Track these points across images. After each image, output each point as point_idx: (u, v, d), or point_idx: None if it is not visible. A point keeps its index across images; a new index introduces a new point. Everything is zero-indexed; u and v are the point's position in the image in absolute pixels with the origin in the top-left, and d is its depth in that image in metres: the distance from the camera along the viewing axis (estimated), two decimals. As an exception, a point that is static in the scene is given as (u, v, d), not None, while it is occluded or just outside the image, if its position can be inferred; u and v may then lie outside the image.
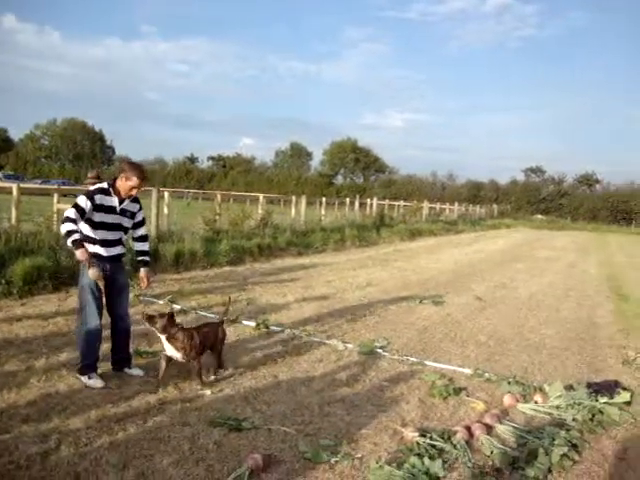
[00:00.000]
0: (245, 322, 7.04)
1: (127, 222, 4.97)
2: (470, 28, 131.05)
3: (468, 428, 4.17)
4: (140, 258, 5.18)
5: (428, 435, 4.01)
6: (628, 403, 4.98)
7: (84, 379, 4.71)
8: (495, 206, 56.39)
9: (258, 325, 6.85)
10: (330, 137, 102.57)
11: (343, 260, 14.32)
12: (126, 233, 5.04)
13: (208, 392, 4.67)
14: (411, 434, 4.02)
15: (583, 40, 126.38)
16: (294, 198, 19.87)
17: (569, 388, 5.09)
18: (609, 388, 5.16)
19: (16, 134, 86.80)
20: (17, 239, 8.94)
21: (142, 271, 5.09)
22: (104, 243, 4.79)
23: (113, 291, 5.00)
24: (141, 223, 5.13)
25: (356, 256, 15.48)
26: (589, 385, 5.21)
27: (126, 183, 4.75)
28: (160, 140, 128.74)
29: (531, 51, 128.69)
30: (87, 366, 4.77)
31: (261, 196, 18.64)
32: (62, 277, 8.24)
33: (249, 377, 5.13)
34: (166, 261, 10.48)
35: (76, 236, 4.47)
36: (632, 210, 60.16)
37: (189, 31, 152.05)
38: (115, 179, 4.85)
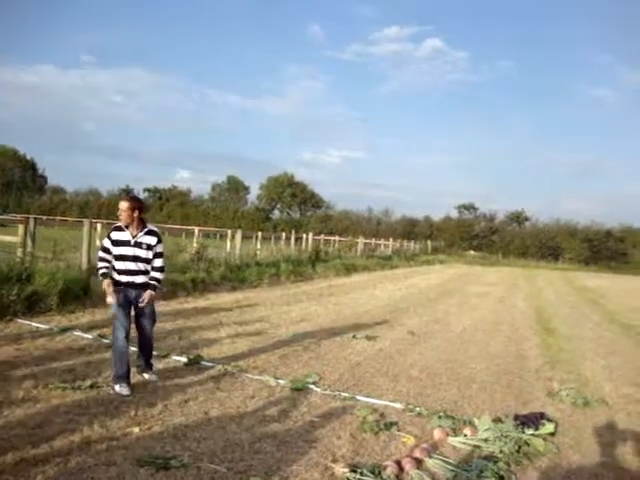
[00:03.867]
0: (176, 357, 6.91)
1: (145, 253, 5.74)
2: (404, 69, 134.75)
3: (398, 463, 4.19)
4: (149, 282, 5.83)
5: (359, 470, 4.00)
6: (552, 434, 5.13)
7: (117, 387, 5.44)
8: (429, 242, 57.53)
9: (189, 360, 6.73)
10: (267, 172, 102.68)
11: (278, 295, 14.29)
12: (149, 263, 5.80)
13: (136, 429, 4.54)
14: (342, 470, 4.01)
15: (509, 85, 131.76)
16: (230, 232, 19.79)
17: (497, 421, 5.19)
18: (535, 420, 5.29)
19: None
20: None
21: (147, 291, 5.79)
22: (126, 272, 5.69)
23: (139, 314, 5.90)
24: (158, 255, 5.87)
25: (291, 291, 15.48)
26: (516, 417, 5.33)
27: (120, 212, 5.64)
28: (95, 171, 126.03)
29: (462, 94, 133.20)
30: (118, 376, 5.49)
31: (196, 229, 18.53)
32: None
33: (179, 414, 5.02)
34: (96, 294, 10.20)
35: (103, 270, 5.68)
36: (558, 246, 62.54)
37: (128, 61, 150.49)
38: None
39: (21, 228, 10.67)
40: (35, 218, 11.77)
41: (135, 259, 5.69)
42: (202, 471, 3.91)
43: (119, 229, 5.70)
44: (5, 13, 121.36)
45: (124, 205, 5.62)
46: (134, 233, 5.69)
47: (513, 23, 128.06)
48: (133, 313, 5.83)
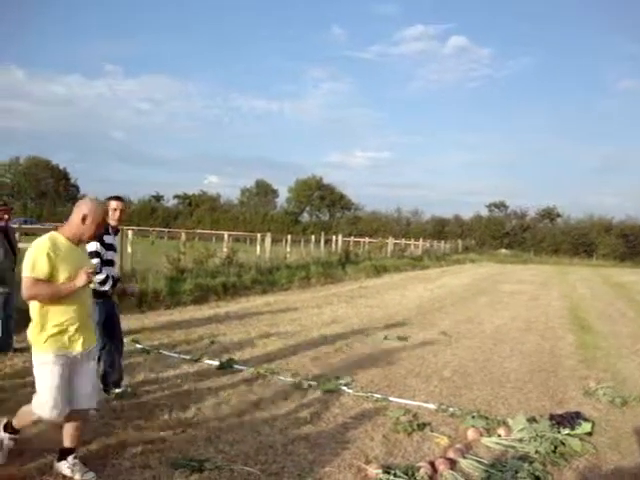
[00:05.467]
0: (208, 361, 6.96)
1: (116, 257, 5.52)
2: (429, 68, 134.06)
3: (432, 463, 4.17)
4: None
5: (392, 471, 3.99)
6: (589, 434, 5.05)
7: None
8: (460, 241, 57.08)
9: (222, 364, 6.78)
10: (295, 175, 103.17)
11: (308, 297, 14.32)
12: (114, 267, 5.48)
13: (170, 433, 4.59)
14: (375, 471, 4.00)
15: (536, 79, 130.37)
16: (259, 236, 19.88)
17: (532, 420, 5.13)
18: (571, 419, 5.21)
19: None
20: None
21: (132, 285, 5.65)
22: (112, 280, 5.27)
23: (112, 322, 5.46)
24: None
25: (321, 293, 15.49)
26: (551, 417, 5.25)
27: (110, 210, 5.26)
28: (125, 179, 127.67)
29: (488, 90, 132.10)
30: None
31: (226, 234, 18.60)
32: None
33: (212, 417, 5.06)
34: (129, 301, 10.34)
35: (109, 279, 5.18)
36: (592, 242, 61.51)
37: (153, 69, 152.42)
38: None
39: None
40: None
41: (114, 264, 5.43)
42: (235, 473, 3.94)
43: (107, 231, 5.24)
44: (32, 27, 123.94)
45: (120, 204, 5.38)
46: (115, 234, 5.44)
47: (536, 15, 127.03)
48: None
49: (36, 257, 3.48)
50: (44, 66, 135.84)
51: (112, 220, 5.31)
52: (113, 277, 5.27)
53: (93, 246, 5.09)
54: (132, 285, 5.66)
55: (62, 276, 3.52)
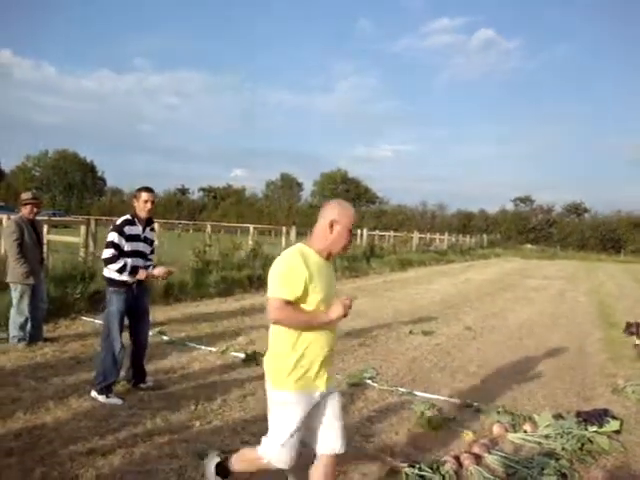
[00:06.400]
0: (234, 353, 7.01)
1: (148, 249, 5.44)
2: (456, 61, 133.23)
3: (457, 458, 4.16)
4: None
5: (417, 465, 3.99)
6: (618, 432, 4.99)
7: (101, 398, 5.03)
8: (485, 236, 56.63)
9: (247, 356, 6.82)
10: (320, 168, 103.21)
11: (333, 290, 14.26)
12: (145, 260, 5.40)
13: (197, 423, 4.64)
14: (400, 465, 4.00)
15: (566, 72, 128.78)
16: (284, 229, 19.92)
17: (558, 417, 5.09)
18: (598, 417, 5.15)
19: (7, 165, 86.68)
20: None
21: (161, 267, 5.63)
22: (126, 267, 5.13)
23: (137, 314, 5.43)
24: (153, 251, 5.61)
25: (346, 286, 15.47)
26: (578, 414, 5.21)
27: (140, 202, 5.24)
28: (151, 171, 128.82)
29: (516, 83, 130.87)
30: (107, 387, 5.10)
31: (251, 227, 18.66)
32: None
33: (238, 408, 5.10)
34: (155, 293, 10.45)
35: (128, 266, 5.08)
36: (620, 238, 60.59)
37: (182, 64, 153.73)
38: (134, 209, 5.30)
39: (83, 229, 11.02)
40: (96, 219, 12.12)
41: (141, 254, 5.32)
42: (261, 465, 3.96)
43: (131, 222, 5.24)
44: (63, 24, 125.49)
45: (151, 196, 5.30)
46: (142, 227, 5.33)
47: (566, 3, 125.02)
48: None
49: (286, 274, 2.94)
50: (75, 62, 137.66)
51: (142, 212, 5.27)
52: (135, 267, 5.17)
53: (110, 236, 5.12)
54: (160, 267, 5.58)
55: (314, 298, 2.99)
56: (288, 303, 2.92)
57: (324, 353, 3.07)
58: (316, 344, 3.03)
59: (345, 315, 3.00)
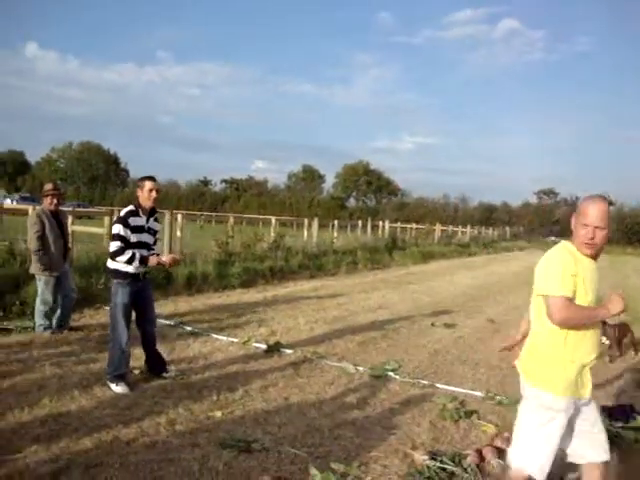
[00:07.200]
0: (256, 344, 7.04)
1: (151, 240, 5.43)
2: (479, 52, 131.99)
3: (479, 451, 4.14)
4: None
5: (438, 458, 3.98)
6: (643, 428, 4.92)
7: (113, 386, 5.06)
8: (508, 228, 56.17)
9: (269, 347, 6.84)
10: (342, 160, 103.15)
11: (355, 282, 14.30)
12: (149, 250, 5.37)
13: (218, 413, 4.67)
14: (421, 457, 3.99)
15: (589, 64, 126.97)
16: (306, 221, 19.93)
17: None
18: (624, 412, 5.09)
19: (33, 157, 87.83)
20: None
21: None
22: (134, 259, 5.13)
23: (142, 305, 5.44)
24: (156, 242, 5.61)
25: (368, 279, 15.46)
26: (603, 408, 5.14)
27: (145, 192, 5.21)
28: (173, 163, 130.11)
29: (540, 75, 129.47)
30: (118, 376, 5.12)
31: (273, 219, 18.69)
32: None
33: (260, 399, 5.12)
34: (178, 283, 10.52)
35: (137, 256, 5.08)
36: (647, 231, 59.68)
37: (203, 56, 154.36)
38: (137, 199, 5.26)
39: (106, 220, 11.13)
40: (119, 210, 12.19)
41: (144, 245, 5.30)
42: (283, 455, 3.99)
43: (135, 213, 5.21)
44: (86, 15, 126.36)
45: (155, 185, 5.27)
46: (146, 218, 5.31)
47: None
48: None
49: (562, 272, 2.88)
50: (98, 54, 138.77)
51: (147, 201, 5.24)
52: (141, 258, 5.15)
53: (115, 229, 5.13)
54: (168, 255, 5.58)
55: (585, 298, 2.92)
56: (570, 300, 2.87)
57: (591, 358, 3.00)
58: (584, 349, 2.96)
59: (624, 310, 2.90)
